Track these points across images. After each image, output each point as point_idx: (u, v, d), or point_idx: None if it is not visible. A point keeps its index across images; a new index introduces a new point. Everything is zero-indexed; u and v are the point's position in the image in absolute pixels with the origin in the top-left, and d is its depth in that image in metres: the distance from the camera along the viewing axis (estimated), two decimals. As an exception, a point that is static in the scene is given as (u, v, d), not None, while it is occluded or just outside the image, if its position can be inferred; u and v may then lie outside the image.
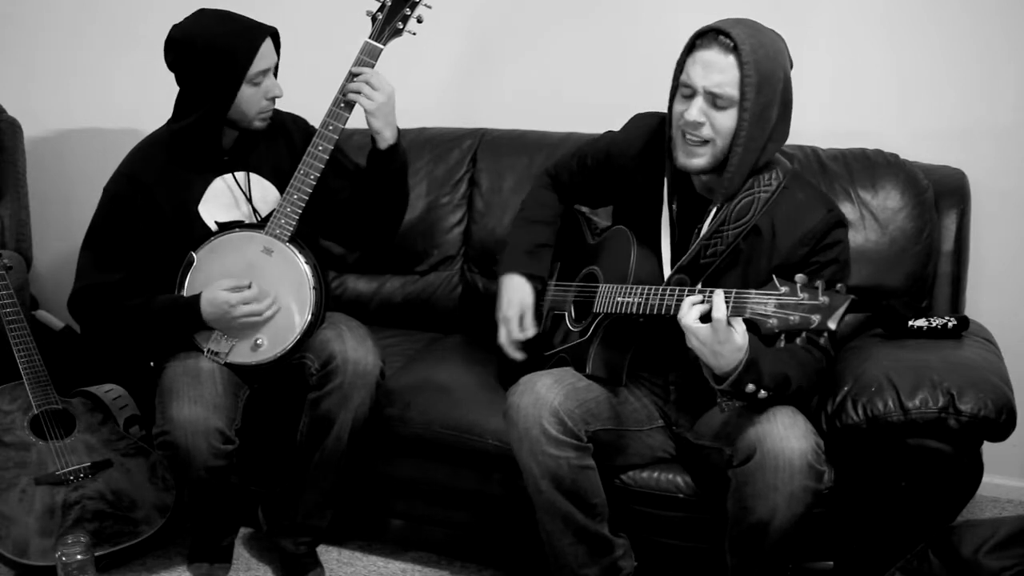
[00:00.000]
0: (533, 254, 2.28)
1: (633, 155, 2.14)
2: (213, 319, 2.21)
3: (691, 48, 1.92)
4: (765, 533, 1.89)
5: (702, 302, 1.79)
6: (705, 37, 1.89)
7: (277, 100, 2.25)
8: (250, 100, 2.19)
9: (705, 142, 1.93)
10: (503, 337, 2.25)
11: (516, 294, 2.24)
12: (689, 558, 2.22)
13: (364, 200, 2.32)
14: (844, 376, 2.07)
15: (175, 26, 2.19)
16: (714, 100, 1.89)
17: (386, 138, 2.23)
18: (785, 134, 1.98)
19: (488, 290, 2.80)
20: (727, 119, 1.90)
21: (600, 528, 2.07)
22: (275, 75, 2.25)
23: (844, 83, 2.64)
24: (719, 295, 1.76)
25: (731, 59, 1.86)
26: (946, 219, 2.47)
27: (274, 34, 2.21)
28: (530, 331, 2.23)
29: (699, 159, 1.95)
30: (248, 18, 2.20)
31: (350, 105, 2.21)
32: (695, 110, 1.91)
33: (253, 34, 2.16)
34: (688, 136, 1.93)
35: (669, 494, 2.15)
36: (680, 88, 1.94)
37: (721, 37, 1.87)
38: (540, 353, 2.24)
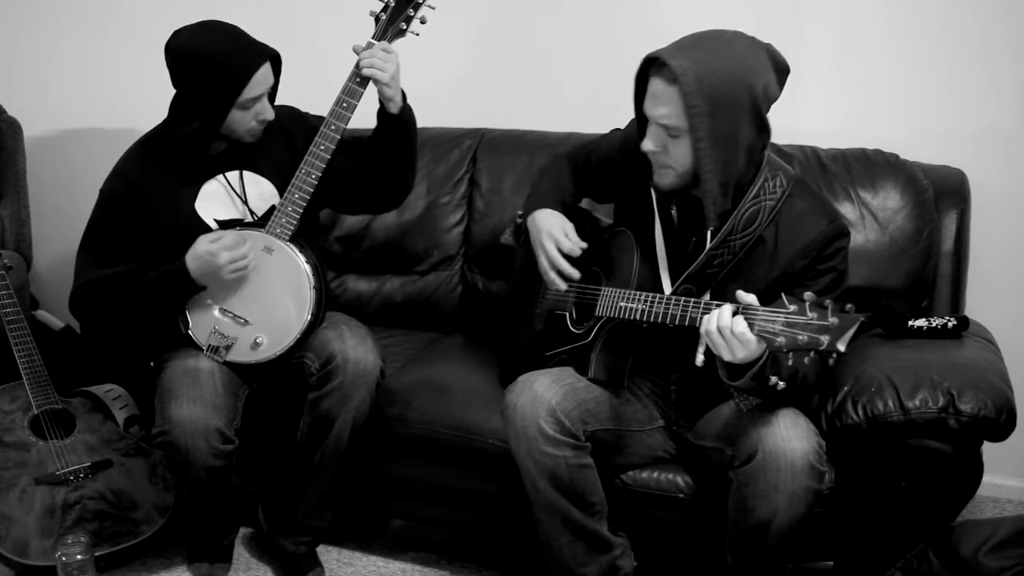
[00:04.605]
0: (561, 203, 2.24)
1: (629, 159, 2.13)
2: (202, 274, 2.19)
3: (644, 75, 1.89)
4: (766, 533, 1.89)
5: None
6: (652, 66, 1.85)
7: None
8: (239, 121, 2.21)
9: (667, 166, 1.92)
10: (546, 260, 2.14)
11: (553, 219, 2.17)
12: (689, 558, 2.22)
13: (382, 164, 2.34)
14: (844, 376, 2.07)
15: (178, 32, 2.19)
16: (666, 129, 1.87)
17: (397, 103, 2.27)
18: (765, 142, 1.93)
19: (488, 290, 2.80)
20: (681, 148, 1.87)
21: (598, 527, 2.07)
22: (274, 92, 2.25)
23: (844, 83, 2.64)
24: (727, 310, 1.75)
25: (673, 90, 1.81)
26: (946, 219, 2.47)
27: (275, 57, 2.21)
28: (581, 243, 2.14)
29: (666, 180, 1.94)
30: (250, 39, 2.19)
31: (364, 82, 2.22)
32: (648, 141, 1.90)
33: (251, 58, 2.15)
34: (652, 160, 1.93)
35: (669, 494, 2.15)
36: (639, 115, 1.93)
37: (664, 68, 1.81)
38: (541, 352, 2.24)
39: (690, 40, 1.86)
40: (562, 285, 2.15)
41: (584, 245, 2.14)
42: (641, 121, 1.94)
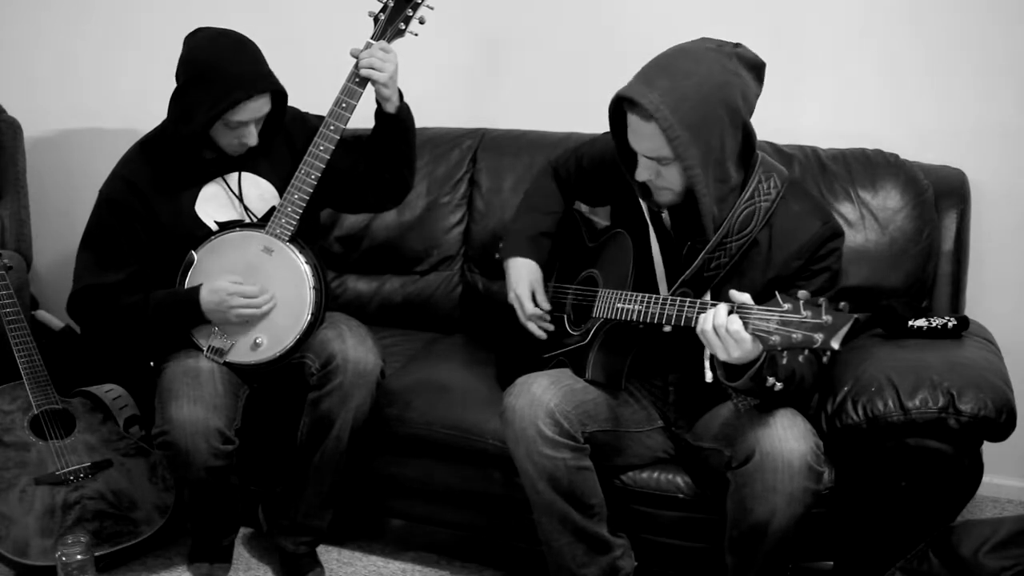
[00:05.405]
0: (536, 241, 2.27)
1: (620, 165, 2.12)
2: (210, 309, 2.21)
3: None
4: (764, 534, 1.89)
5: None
6: (625, 102, 1.84)
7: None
8: (222, 135, 2.21)
9: (664, 188, 1.93)
10: (522, 316, 2.24)
11: (523, 273, 2.24)
12: (689, 558, 2.22)
13: (381, 163, 2.34)
14: (844, 376, 2.07)
15: (199, 30, 2.19)
16: (655, 160, 1.87)
17: (394, 102, 2.27)
18: (752, 143, 1.92)
19: (488, 290, 2.80)
20: (673, 172, 1.87)
21: (598, 528, 2.07)
22: (275, 123, 2.25)
23: (844, 83, 2.64)
24: (722, 309, 1.75)
25: (652, 126, 1.81)
26: (946, 219, 2.47)
27: (279, 92, 2.20)
28: (545, 305, 2.23)
29: (665, 198, 1.95)
30: (258, 66, 2.17)
31: (363, 82, 2.22)
32: (642, 171, 1.91)
33: (247, 86, 2.13)
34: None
35: (669, 494, 2.15)
36: (622, 147, 1.93)
37: (637, 106, 1.81)
38: (539, 355, 2.24)
39: (655, 67, 1.84)
40: (541, 335, 2.23)
41: (548, 307, 2.23)
42: (626, 151, 1.94)
